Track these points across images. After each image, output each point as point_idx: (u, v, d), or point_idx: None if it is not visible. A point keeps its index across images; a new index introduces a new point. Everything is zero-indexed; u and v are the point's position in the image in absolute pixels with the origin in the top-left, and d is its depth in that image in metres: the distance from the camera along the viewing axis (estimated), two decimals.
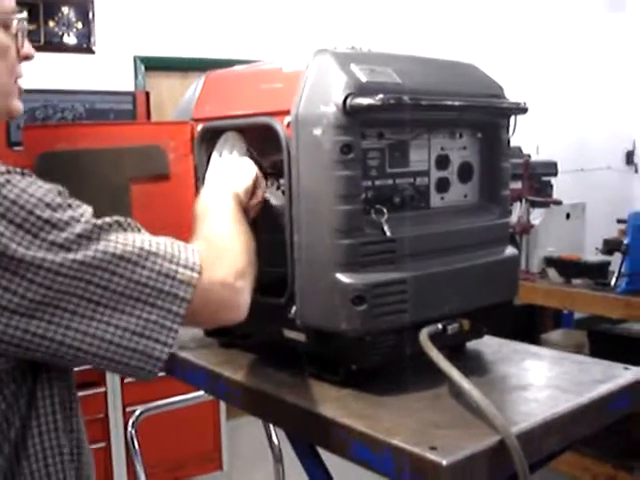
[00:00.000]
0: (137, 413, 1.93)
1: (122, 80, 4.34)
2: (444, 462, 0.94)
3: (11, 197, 0.89)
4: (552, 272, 3.73)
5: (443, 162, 1.32)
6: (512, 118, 1.36)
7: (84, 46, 4.24)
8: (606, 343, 3.60)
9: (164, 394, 2.19)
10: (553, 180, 4.41)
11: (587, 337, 3.85)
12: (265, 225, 1.29)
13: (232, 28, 4.70)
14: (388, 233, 1.17)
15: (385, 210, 1.18)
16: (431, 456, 0.95)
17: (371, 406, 1.14)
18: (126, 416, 3.30)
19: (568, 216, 4.00)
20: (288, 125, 1.20)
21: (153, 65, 4.50)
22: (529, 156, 4.13)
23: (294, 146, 1.19)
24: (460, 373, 1.07)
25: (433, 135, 1.30)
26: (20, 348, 0.91)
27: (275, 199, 1.29)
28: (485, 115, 1.34)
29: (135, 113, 3.80)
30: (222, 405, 3.72)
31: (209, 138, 1.40)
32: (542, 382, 1.28)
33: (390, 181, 1.24)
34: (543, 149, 5.54)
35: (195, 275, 0.99)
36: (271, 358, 1.38)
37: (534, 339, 3.84)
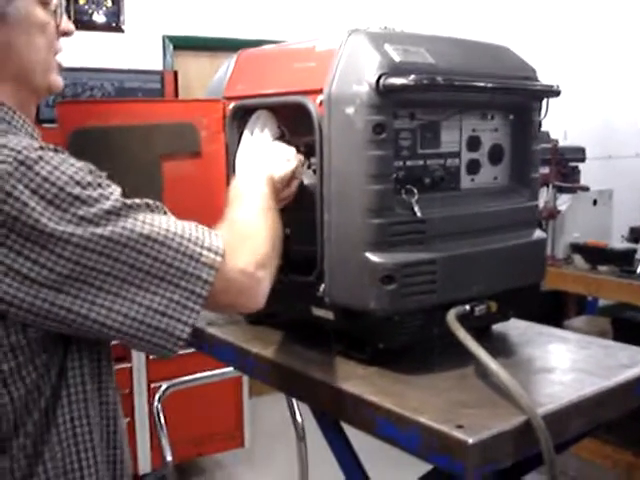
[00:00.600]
0: (163, 388, 1.96)
1: (151, 59, 4.35)
2: (470, 440, 0.95)
3: (43, 174, 0.91)
4: (578, 258, 3.72)
5: (474, 144, 1.32)
6: (544, 101, 1.36)
7: (113, 25, 4.25)
8: (630, 331, 3.58)
9: (188, 371, 2.22)
10: (581, 166, 4.37)
11: (611, 324, 3.84)
12: (295, 204, 1.30)
13: (262, 9, 4.69)
14: (418, 213, 1.18)
15: (415, 190, 1.19)
16: (458, 434, 0.96)
17: (398, 384, 1.15)
18: (150, 392, 3.35)
19: (595, 202, 3.97)
20: (320, 104, 1.20)
21: (182, 45, 4.51)
22: (557, 141, 4.09)
23: (326, 125, 1.19)
24: (487, 353, 1.08)
25: (465, 116, 1.30)
26: (47, 320, 0.93)
27: (306, 178, 1.30)
28: (517, 97, 1.34)
29: (163, 92, 3.81)
30: (245, 383, 3.76)
31: (241, 116, 1.41)
32: (568, 365, 1.29)
33: (421, 162, 1.24)
34: (571, 135, 5.48)
35: (218, 259, 1.00)
36: (299, 336, 1.39)
37: (557, 325, 3.83)
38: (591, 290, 3.70)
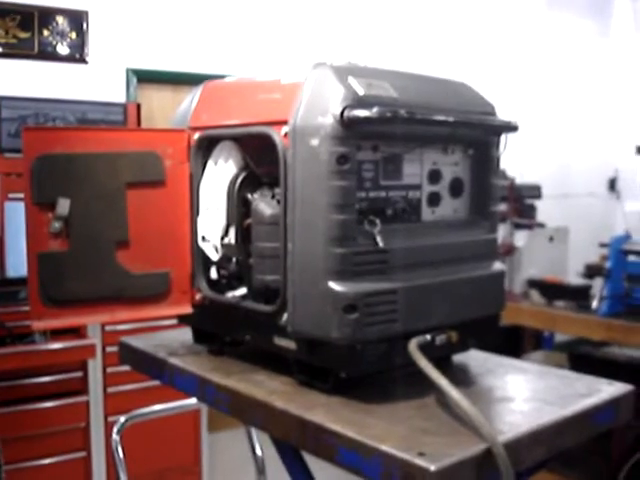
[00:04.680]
0: (122, 420, 1.93)
1: (114, 91, 4.35)
2: (432, 467, 0.95)
3: None
4: (534, 294, 3.78)
5: (435, 177, 1.34)
6: (503, 136, 1.39)
7: (77, 56, 4.25)
8: (586, 365, 3.63)
9: (146, 405, 2.19)
10: (537, 204, 4.46)
11: (567, 360, 3.89)
12: (258, 233, 1.31)
13: (224, 44, 4.74)
14: (380, 244, 1.19)
15: (378, 221, 1.21)
16: (419, 462, 0.97)
17: (360, 413, 1.15)
18: (108, 426, 3.29)
19: (551, 239, 4.05)
20: (285, 135, 1.22)
21: (145, 77, 4.52)
22: (514, 179, 4.18)
23: (291, 156, 1.21)
24: (449, 382, 1.09)
25: (426, 150, 1.32)
26: None
27: (269, 208, 1.31)
28: (477, 132, 1.37)
29: (126, 124, 3.82)
30: (203, 418, 3.71)
31: (205, 146, 1.42)
32: (527, 395, 1.30)
33: (383, 193, 1.27)
34: (527, 174, 5.60)
35: None
36: (261, 365, 1.39)
37: None
38: (548, 325, 3.76)
